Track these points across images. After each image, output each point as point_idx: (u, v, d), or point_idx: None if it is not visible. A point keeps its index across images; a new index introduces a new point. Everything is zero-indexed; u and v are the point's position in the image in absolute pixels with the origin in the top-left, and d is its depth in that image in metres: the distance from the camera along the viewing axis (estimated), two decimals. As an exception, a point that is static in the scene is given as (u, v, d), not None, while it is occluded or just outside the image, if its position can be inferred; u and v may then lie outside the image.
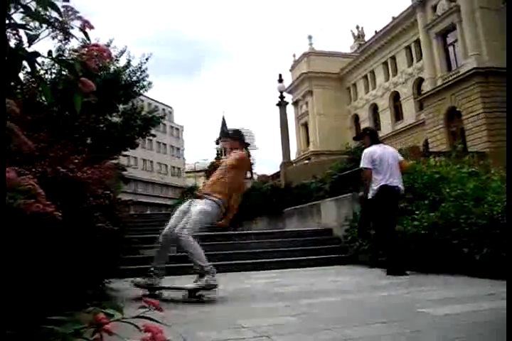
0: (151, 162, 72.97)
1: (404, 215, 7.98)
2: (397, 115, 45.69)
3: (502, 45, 30.33)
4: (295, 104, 58.17)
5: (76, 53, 1.39)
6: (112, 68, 20.57)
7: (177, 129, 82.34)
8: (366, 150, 7.35)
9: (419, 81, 41.36)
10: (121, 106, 21.53)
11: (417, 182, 9.45)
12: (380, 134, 45.93)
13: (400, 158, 7.45)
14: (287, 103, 23.84)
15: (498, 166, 18.97)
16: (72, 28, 1.35)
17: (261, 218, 15.10)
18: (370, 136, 7.67)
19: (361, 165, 7.35)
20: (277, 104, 22.99)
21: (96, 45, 1.37)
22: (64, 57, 1.43)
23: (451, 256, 6.31)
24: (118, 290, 5.53)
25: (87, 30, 1.36)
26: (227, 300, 5.03)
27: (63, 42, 16.71)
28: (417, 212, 8.07)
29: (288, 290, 5.72)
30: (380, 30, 46.79)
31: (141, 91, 22.84)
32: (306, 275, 7.50)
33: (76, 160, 4.26)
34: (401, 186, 7.18)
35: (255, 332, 3.20)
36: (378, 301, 4.51)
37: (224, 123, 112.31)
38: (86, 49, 1.36)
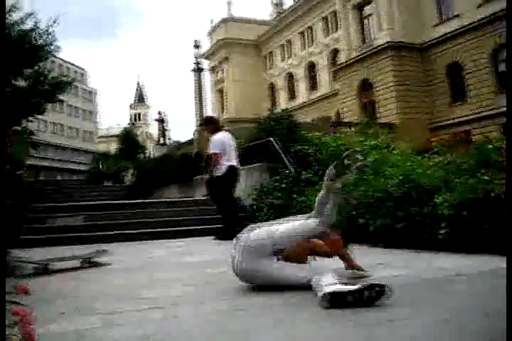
0: (62, 125, 70.69)
1: (307, 186, 8.23)
2: (313, 85, 46.33)
3: (415, 21, 31.27)
4: (212, 70, 57.76)
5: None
6: (17, 30, 19.59)
7: (90, 92, 80.00)
8: (215, 137, 8.48)
9: (335, 52, 42.02)
10: (26, 71, 20.60)
11: (322, 153, 9.74)
12: (296, 103, 46.68)
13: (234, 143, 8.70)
14: (203, 69, 23.79)
15: (404, 138, 19.77)
16: None
17: (173, 185, 15.09)
18: (213, 125, 8.93)
19: (212, 151, 8.40)
20: (192, 70, 22.83)
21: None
22: None
23: (349, 226, 6.58)
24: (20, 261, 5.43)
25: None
26: (131, 270, 5.07)
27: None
28: (321, 183, 8.34)
29: (195, 259, 5.81)
30: (299, 0, 46.91)
31: (48, 55, 21.92)
32: (213, 243, 7.62)
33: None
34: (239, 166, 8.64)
35: (151, 303, 3.27)
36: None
37: (139, 88, 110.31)
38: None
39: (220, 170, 8.28)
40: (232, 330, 2.55)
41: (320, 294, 2.89)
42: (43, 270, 4.85)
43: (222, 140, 8.37)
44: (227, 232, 7.55)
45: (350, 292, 2.82)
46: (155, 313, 2.97)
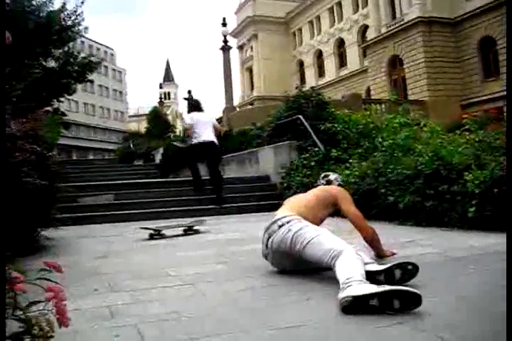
0: (93, 106, 71.27)
1: (336, 164, 8.20)
2: (342, 61, 45.87)
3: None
4: (240, 48, 57.50)
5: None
6: (45, 11, 19.69)
7: (119, 72, 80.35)
8: (189, 114, 10.72)
9: (364, 28, 41.40)
10: (56, 51, 20.74)
11: (352, 131, 9.68)
12: (324, 80, 46.30)
13: (215, 122, 10.51)
14: (231, 47, 23.53)
15: (435, 114, 19.50)
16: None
17: (201, 165, 15.13)
18: (192, 106, 11.22)
19: (185, 123, 10.62)
20: (221, 49, 22.70)
21: None
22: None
23: (379, 204, 6.56)
24: (53, 239, 5.56)
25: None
26: (157, 249, 5.15)
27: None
28: (350, 161, 8.32)
29: (222, 237, 5.87)
30: (327, -25, 46.21)
31: (77, 36, 22.03)
32: (242, 221, 7.69)
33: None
34: (215, 141, 9.92)
35: (181, 281, 3.32)
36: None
37: (168, 67, 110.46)
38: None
39: (190, 142, 10.17)
40: (257, 308, 2.59)
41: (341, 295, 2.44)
42: (159, 234, 5.97)
43: (191, 117, 10.15)
44: (197, 187, 10.03)
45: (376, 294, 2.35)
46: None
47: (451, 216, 5.34)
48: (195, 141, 9.85)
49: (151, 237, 5.93)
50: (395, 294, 2.31)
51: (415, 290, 2.34)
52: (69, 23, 20.97)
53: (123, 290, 3.11)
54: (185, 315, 2.46)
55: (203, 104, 12.71)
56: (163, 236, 6.00)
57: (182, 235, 6.20)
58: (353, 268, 2.66)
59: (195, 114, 10.22)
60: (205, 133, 9.83)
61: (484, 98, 28.58)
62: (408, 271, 2.84)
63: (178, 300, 2.83)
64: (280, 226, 3.30)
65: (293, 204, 3.63)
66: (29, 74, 15.23)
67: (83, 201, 9.25)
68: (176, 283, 3.27)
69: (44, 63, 20.06)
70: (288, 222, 3.29)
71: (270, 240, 3.33)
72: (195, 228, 6.40)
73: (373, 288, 2.37)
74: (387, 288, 2.36)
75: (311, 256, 3.06)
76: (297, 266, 3.28)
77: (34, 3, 19.29)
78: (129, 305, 2.76)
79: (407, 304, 2.31)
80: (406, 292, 2.33)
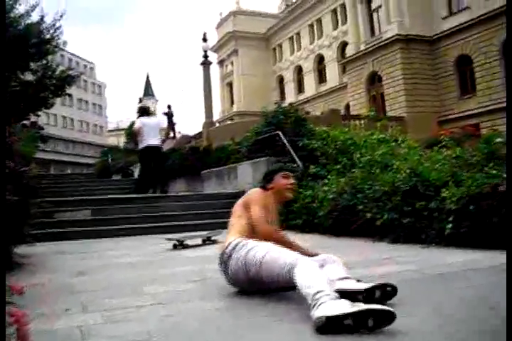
0: (72, 119, 70.86)
1: (314, 180, 8.20)
2: (321, 77, 46.13)
3: (422, 14, 31.06)
4: (220, 63, 57.67)
5: None
6: (23, 24, 19.56)
7: (99, 86, 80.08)
8: (139, 119, 11.55)
9: (344, 44, 41.74)
10: (34, 64, 20.57)
11: (330, 147, 9.70)
12: (304, 96, 46.54)
13: (162, 125, 12.10)
14: (211, 63, 23.60)
15: (412, 131, 19.69)
16: None
17: (180, 179, 15.10)
18: (141, 112, 11.90)
19: (134, 127, 12.00)
20: (201, 64, 22.76)
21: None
22: None
23: (357, 220, 6.55)
24: (29, 256, 5.46)
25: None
26: (136, 266, 5.07)
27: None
28: (328, 177, 8.33)
29: (200, 253, 5.82)
30: (308, -9, 46.66)
31: (56, 49, 21.87)
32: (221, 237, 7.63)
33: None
34: (160, 145, 11.60)
35: (154, 299, 3.27)
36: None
37: (148, 81, 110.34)
38: None
39: (139, 146, 11.30)
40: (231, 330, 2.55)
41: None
42: (181, 244, 6.41)
43: (140, 121, 11.15)
44: (139, 189, 11.47)
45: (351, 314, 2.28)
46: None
47: (429, 233, 5.36)
48: (142, 145, 11.09)
49: (175, 247, 6.39)
50: (369, 313, 2.28)
51: (389, 309, 2.31)
52: (47, 36, 20.81)
53: (96, 310, 3.04)
54: (156, 336, 2.41)
55: (151, 109, 14.78)
56: (184, 247, 6.43)
57: (201, 245, 6.73)
58: (315, 279, 2.60)
59: (143, 119, 11.26)
60: (152, 138, 11.02)
61: (461, 115, 28.91)
62: (387, 292, 2.82)
63: (152, 320, 2.77)
64: (229, 256, 3.27)
65: (231, 227, 3.53)
66: (6, 88, 15.06)
67: (60, 216, 9.13)
68: (151, 302, 3.21)
69: (22, 76, 19.88)
70: (234, 248, 3.26)
71: (228, 271, 3.29)
72: (213, 238, 6.92)
73: (347, 307, 2.33)
74: (362, 307, 2.32)
75: (268, 275, 2.99)
76: (261, 288, 3.17)
77: (12, 15, 19.17)
78: (101, 325, 2.70)
79: (380, 322, 2.28)
80: (381, 310, 2.29)
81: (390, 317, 2.27)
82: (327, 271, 2.90)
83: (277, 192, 3.73)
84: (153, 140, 11.02)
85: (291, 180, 3.87)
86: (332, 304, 2.37)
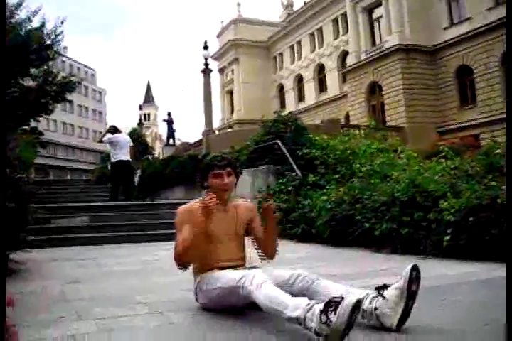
0: (72, 125, 70.86)
1: (313, 189, 8.18)
2: (321, 86, 46.17)
3: (423, 24, 31.15)
4: (221, 71, 57.74)
5: None
6: (24, 30, 19.56)
7: (99, 92, 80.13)
8: (111, 135, 12.35)
9: (344, 54, 41.81)
10: (34, 70, 20.56)
11: (329, 157, 9.68)
12: (304, 105, 46.56)
13: (131, 143, 12.61)
14: (211, 70, 23.63)
15: (412, 141, 19.69)
16: None
17: (178, 187, 15.05)
18: (113, 130, 12.65)
19: (104, 139, 12.85)
20: (202, 71, 22.78)
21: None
22: None
23: (355, 230, 6.52)
24: (24, 263, 5.42)
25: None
26: (131, 275, 5.04)
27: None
28: (327, 186, 8.31)
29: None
30: (309, 1, 46.78)
31: (56, 55, 21.86)
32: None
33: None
34: (130, 160, 12.37)
35: (150, 309, 3.24)
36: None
37: (149, 88, 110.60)
38: None
39: (111, 159, 12.44)
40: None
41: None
42: None
43: (114, 136, 12.20)
44: (113, 198, 12.09)
45: None
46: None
47: (427, 244, 5.32)
48: (114, 160, 12.19)
49: None
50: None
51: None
52: (48, 42, 20.80)
53: (90, 318, 3.01)
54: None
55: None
56: None
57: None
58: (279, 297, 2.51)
59: (117, 135, 12.36)
60: (123, 154, 12.12)
61: (460, 125, 28.91)
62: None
63: (145, 329, 2.74)
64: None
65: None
66: (6, 93, 15.06)
67: (57, 223, 9.09)
68: (145, 311, 3.19)
69: (22, 82, 19.87)
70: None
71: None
72: None
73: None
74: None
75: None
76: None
77: (13, 21, 19.18)
78: (95, 333, 2.67)
79: None
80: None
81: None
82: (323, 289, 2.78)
83: (217, 192, 3.16)
84: (124, 156, 12.17)
85: (225, 180, 3.17)
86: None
